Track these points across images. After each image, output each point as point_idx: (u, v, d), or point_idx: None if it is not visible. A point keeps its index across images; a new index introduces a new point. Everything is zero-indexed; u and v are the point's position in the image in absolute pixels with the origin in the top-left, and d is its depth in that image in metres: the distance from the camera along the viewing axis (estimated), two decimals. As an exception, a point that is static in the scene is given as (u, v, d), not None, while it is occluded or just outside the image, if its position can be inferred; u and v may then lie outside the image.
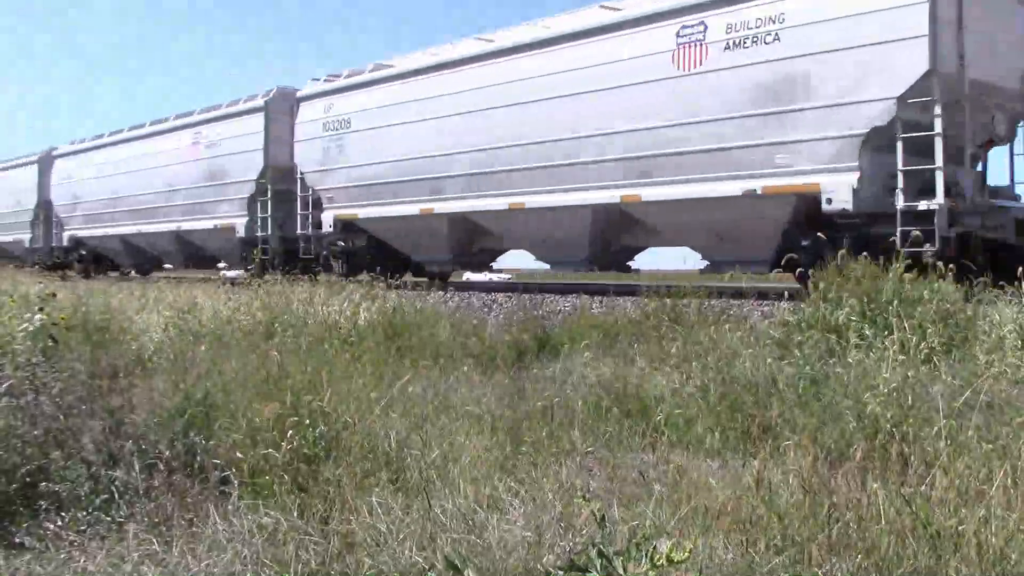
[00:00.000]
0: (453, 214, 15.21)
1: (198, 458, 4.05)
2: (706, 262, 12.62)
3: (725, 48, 11.26)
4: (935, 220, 9.71)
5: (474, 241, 16.01)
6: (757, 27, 10.94)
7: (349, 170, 16.98)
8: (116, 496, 3.70)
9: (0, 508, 3.79)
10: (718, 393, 5.04)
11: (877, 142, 10.21)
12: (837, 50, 10.24)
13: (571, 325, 8.95)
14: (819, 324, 6.85)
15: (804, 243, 10.44)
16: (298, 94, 18.67)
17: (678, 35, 11.77)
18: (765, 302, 9.58)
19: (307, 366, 5.10)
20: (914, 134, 9.92)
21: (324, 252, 17.75)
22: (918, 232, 9.64)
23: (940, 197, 9.76)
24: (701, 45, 11.51)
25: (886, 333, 6.18)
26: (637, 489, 3.61)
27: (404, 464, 3.98)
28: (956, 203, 9.98)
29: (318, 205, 17.67)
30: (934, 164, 9.78)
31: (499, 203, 14.27)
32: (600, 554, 2.32)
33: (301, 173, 17.97)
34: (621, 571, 2.27)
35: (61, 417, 4.32)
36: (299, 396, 4.32)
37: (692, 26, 11.63)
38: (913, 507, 3.03)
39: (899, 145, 9.99)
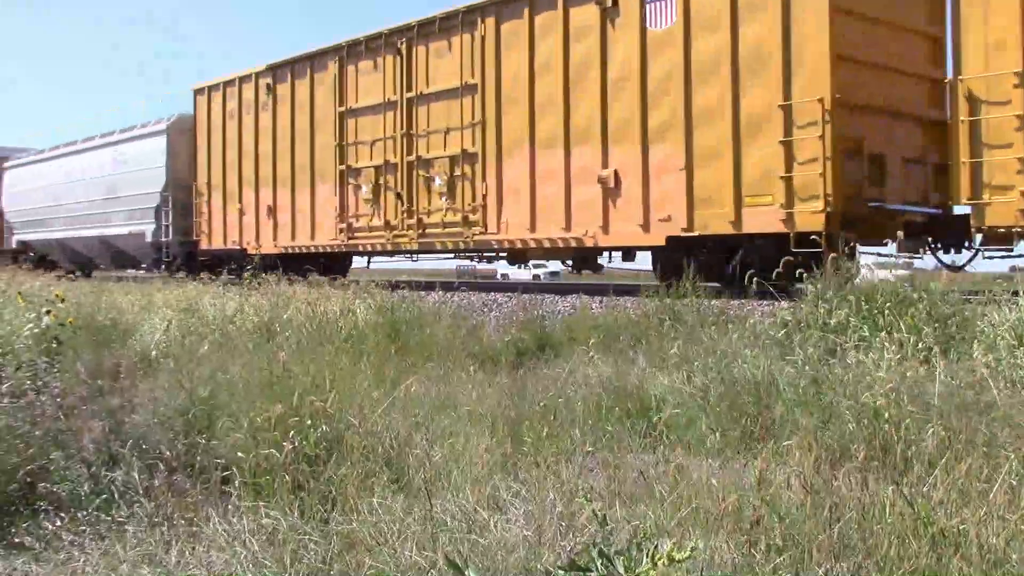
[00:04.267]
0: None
1: (199, 458, 4.04)
2: None
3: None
4: None
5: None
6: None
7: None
8: (116, 496, 3.69)
9: (0, 508, 3.78)
10: (718, 393, 5.04)
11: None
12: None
13: (571, 325, 8.95)
14: (818, 324, 6.85)
15: None
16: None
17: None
18: (765, 302, 9.57)
19: (310, 367, 5.10)
20: None
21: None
22: None
23: None
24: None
25: (883, 333, 6.19)
26: (638, 489, 3.61)
27: (405, 464, 3.97)
28: None
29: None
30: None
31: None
32: (601, 554, 2.31)
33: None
34: (622, 571, 2.27)
35: (62, 417, 4.32)
36: (302, 397, 4.32)
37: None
38: (915, 507, 3.02)
39: None
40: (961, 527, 2.89)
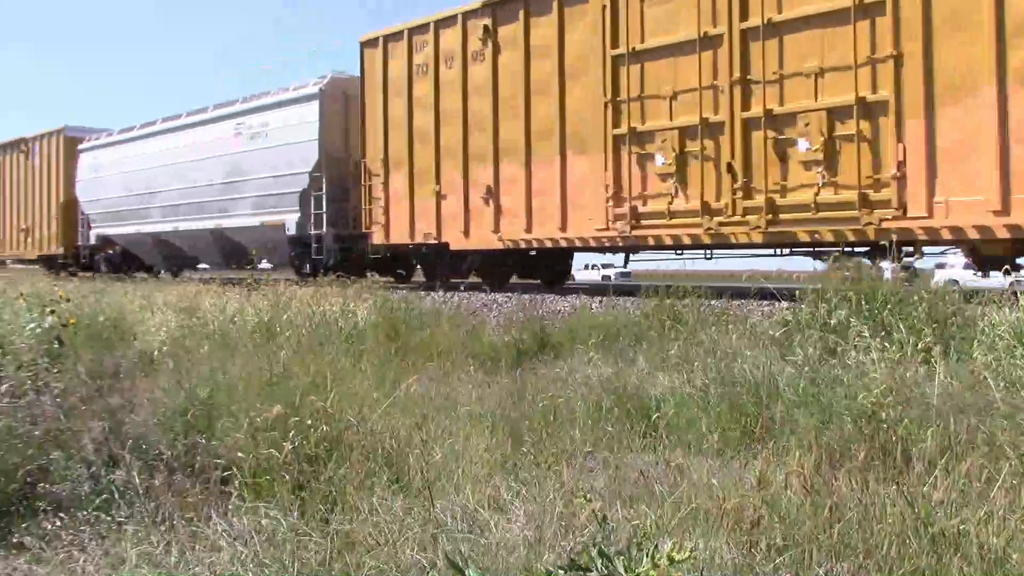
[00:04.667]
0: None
1: (199, 458, 4.05)
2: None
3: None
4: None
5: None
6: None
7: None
8: (116, 496, 3.70)
9: (0, 508, 3.78)
10: (718, 393, 5.05)
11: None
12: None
13: (571, 325, 8.95)
14: (818, 324, 6.85)
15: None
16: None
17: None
18: (765, 302, 9.58)
19: (310, 366, 5.10)
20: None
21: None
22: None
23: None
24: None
25: (883, 333, 6.19)
26: (638, 489, 3.61)
27: (405, 464, 3.98)
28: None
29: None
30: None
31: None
32: (601, 554, 2.31)
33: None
34: (622, 571, 2.27)
35: (62, 417, 4.32)
36: (303, 397, 4.32)
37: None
38: (915, 507, 3.02)
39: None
40: (961, 527, 2.89)
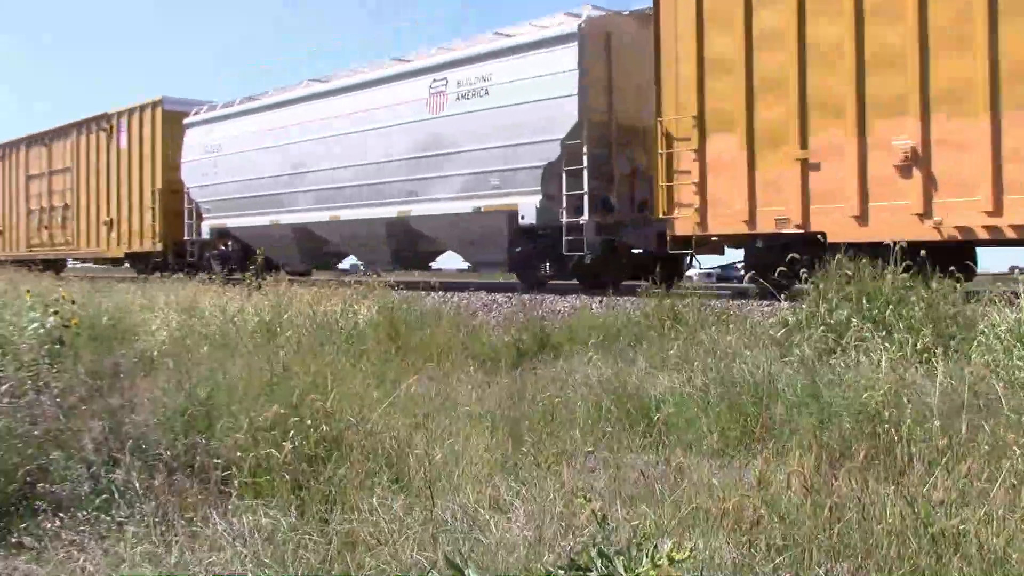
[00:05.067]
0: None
1: (198, 458, 4.05)
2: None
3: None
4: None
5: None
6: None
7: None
8: (116, 496, 3.70)
9: (0, 508, 3.78)
10: (718, 393, 5.05)
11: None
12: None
13: (571, 325, 8.96)
14: (818, 324, 6.85)
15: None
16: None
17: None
18: (765, 302, 9.58)
19: (311, 366, 5.11)
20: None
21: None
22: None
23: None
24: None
25: (883, 333, 6.20)
26: (638, 489, 3.61)
27: (406, 464, 3.98)
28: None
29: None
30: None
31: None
32: (601, 554, 2.31)
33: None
34: (622, 571, 2.27)
35: (62, 417, 4.32)
36: (303, 396, 4.32)
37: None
38: (915, 507, 3.02)
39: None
40: (961, 527, 2.89)
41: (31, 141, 27.65)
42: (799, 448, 4.00)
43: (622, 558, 2.30)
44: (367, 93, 16.07)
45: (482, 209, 13.69)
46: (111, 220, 23.37)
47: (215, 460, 3.99)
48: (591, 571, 2.30)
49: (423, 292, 13.24)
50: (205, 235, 20.26)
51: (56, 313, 6.31)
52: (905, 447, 3.83)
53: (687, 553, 2.28)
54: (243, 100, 19.46)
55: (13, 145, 28.76)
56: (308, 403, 4.24)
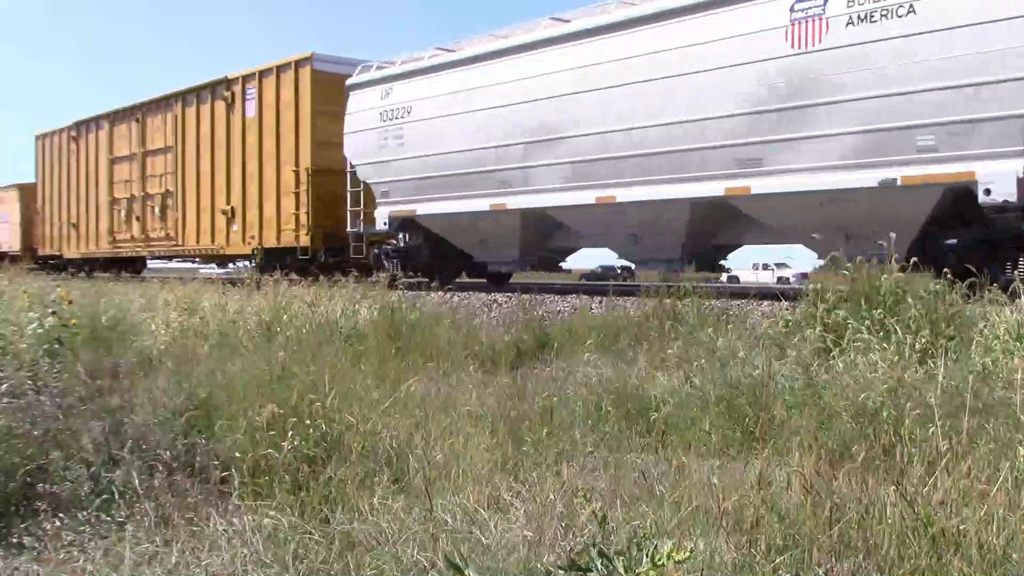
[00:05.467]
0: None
1: (198, 458, 4.05)
2: None
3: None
4: None
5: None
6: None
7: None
8: (116, 496, 3.70)
9: (0, 508, 3.78)
10: (718, 393, 5.05)
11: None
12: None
13: (571, 325, 8.96)
14: (817, 324, 6.85)
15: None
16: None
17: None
18: (765, 302, 9.59)
19: (310, 366, 5.11)
20: None
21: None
22: None
23: None
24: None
25: (882, 333, 6.19)
26: (638, 489, 3.61)
27: (406, 464, 3.98)
28: None
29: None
30: None
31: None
32: (601, 554, 2.32)
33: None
34: (622, 571, 2.27)
35: (61, 417, 4.32)
36: (302, 396, 4.32)
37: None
38: (915, 507, 3.02)
39: None
40: (961, 527, 2.89)
41: (116, 118, 23.18)
42: (799, 448, 4.00)
43: (622, 558, 2.30)
44: (669, 27, 11.14)
45: (899, 181, 9.16)
46: (231, 209, 18.76)
47: (215, 460, 3.99)
48: (591, 571, 2.30)
49: (422, 292, 13.16)
50: (384, 225, 15.10)
51: (55, 313, 6.31)
52: (906, 447, 3.83)
53: (687, 553, 2.28)
54: (438, 50, 14.64)
55: (90, 123, 24.37)
56: (307, 403, 4.24)
